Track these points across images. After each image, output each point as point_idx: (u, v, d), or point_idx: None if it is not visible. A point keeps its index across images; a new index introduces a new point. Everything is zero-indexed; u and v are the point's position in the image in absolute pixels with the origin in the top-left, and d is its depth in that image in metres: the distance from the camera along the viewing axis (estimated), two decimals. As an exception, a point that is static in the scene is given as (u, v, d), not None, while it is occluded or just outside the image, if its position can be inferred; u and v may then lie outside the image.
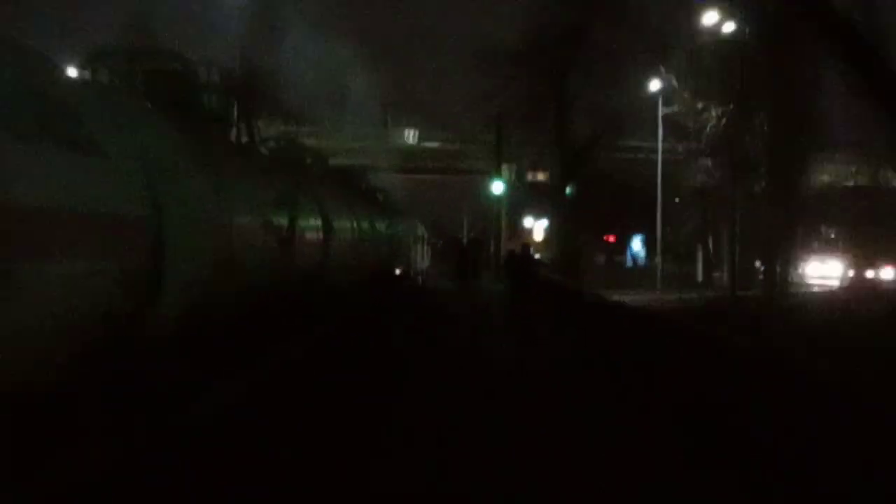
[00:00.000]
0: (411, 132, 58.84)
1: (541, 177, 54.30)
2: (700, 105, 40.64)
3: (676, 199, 50.99)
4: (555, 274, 39.51)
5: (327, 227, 14.87)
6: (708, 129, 40.45)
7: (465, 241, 66.19)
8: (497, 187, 45.02)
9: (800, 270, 50.62)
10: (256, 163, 12.40)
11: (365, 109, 52.68)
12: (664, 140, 43.40)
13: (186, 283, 7.47)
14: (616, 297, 31.37)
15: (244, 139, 12.84)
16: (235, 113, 12.14)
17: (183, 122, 8.85)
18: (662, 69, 41.86)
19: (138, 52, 10.18)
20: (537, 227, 63.55)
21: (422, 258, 42.02)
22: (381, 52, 54.73)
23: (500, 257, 42.23)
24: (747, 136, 36.65)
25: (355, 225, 19.36)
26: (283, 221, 11.28)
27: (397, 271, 30.70)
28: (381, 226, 25.51)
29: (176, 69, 9.99)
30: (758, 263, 42.28)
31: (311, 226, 13.59)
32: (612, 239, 65.83)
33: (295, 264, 11.83)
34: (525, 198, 56.59)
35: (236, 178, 9.70)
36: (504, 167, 47.94)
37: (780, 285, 37.05)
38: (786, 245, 38.24)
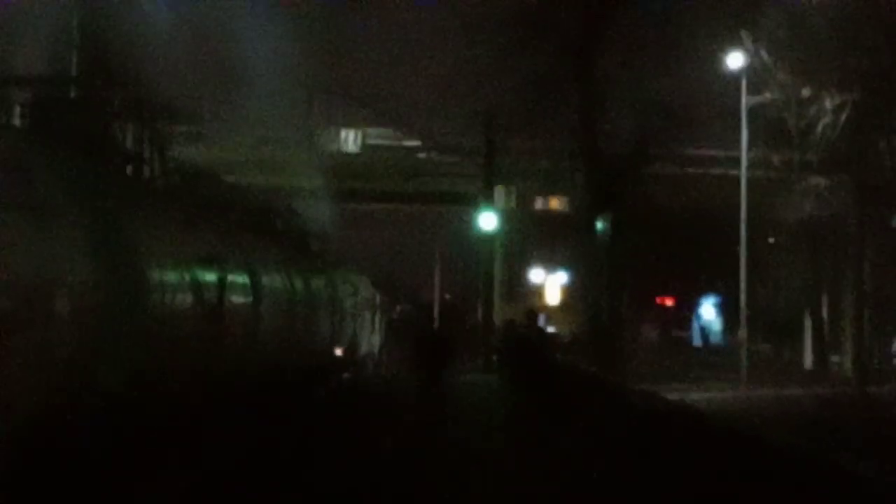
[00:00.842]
0: (352, 135, 59.01)
1: (555, 205, 54.38)
2: (807, 91, 40.93)
3: (771, 240, 51.21)
4: (579, 357, 39.41)
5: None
6: (820, 128, 40.67)
7: (434, 307, 66.24)
8: (487, 221, 45.09)
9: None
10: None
11: (276, 99, 52.74)
12: (751, 147, 43.63)
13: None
14: (676, 395, 31.41)
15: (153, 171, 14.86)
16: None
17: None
18: (746, 36, 42.24)
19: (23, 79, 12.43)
20: (551, 283, 63.69)
21: (370, 335, 41.76)
22: (307, 10, 54.62)
23: (494, 331, 42.13)
24: (883, 141, 36.88)
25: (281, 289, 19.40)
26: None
27: (338, 352, 31.14)
28: (316, 287, 25.87)
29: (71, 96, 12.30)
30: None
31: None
32: (669, 303, 66.05)
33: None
34: (531, 238, 56.74)
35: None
36: (499, 190, 48.04)
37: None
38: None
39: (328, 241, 37.06)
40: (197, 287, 14.78)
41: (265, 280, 19.48)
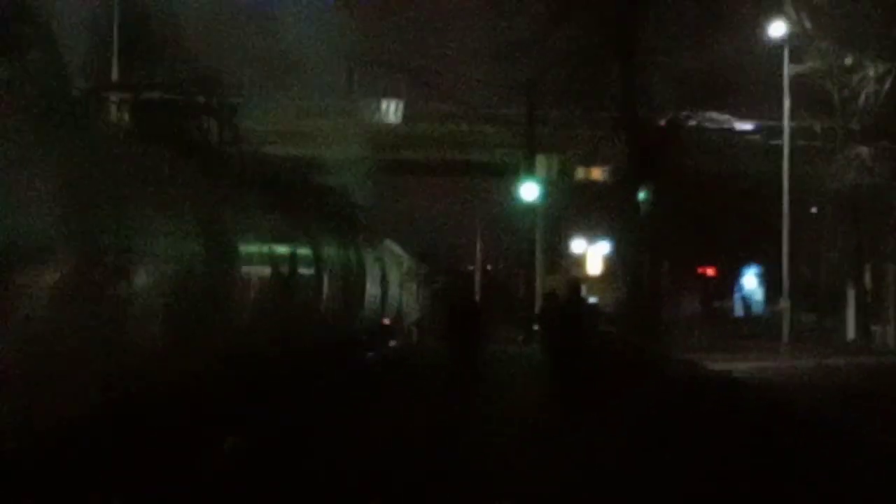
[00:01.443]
0: (392, 105, 59.00)
1: (597, 175, 54.29)
2: (849, 59, 40.78)
3: (813, 210, 51.06)
4: (621, 328, 39.47)
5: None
6: (862, 97, 40.54)
7: (474, 277, 66.28)
8: (529, 191, 45.16)
9: None
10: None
11: (317, 69, 52.90)
12: (793, 117, 43.48)
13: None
14: (718, 366, 31.44)
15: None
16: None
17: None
18: (788, 3, 42.07)
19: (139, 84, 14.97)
20: (593, 253, 63.62)
21: (415, 305, 42.33)
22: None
23: (535, 302, 42.25)
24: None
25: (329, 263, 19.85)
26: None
27: (386, 321, 32.91)
28: (368, 261, 27.41)
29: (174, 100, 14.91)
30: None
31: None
32: (710, 273, 65.84)
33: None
34: (573, 208, 56.70)
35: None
36: (541, 160, 48.06)
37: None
38: None
39: (374, 215, 37.65)
40: (280, 263, 17.42)
41: (327, 256, 21.94)
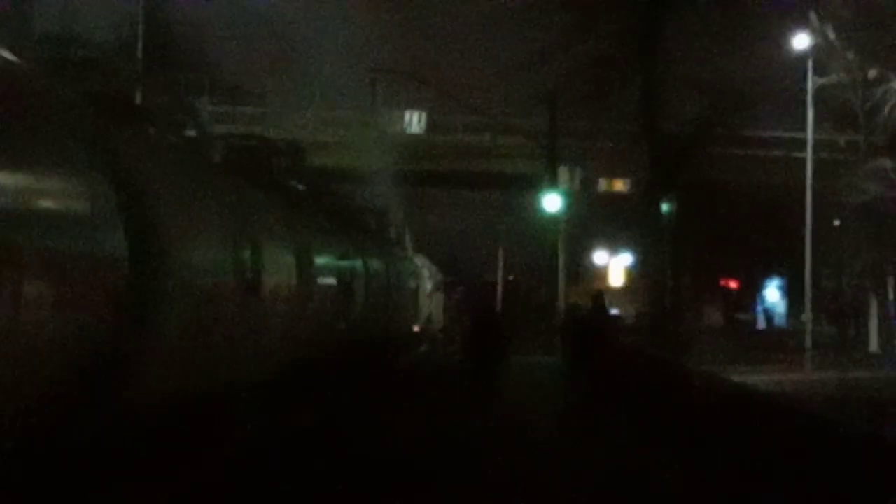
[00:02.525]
0: (416, 116, 59.03)
1: (620, 186, 54.34)
2: (873, 72, 40.73)
3: (836, 222, 50.93)
4: (643, 339, 39.42)
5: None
6: (886, 111, 40.47)
7: (497, 287, 66.34)
8: (552, 202, 45.15)
9: None
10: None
11: (340, 80, 53.08)
12: (817, 129, 43.43)
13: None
14: (740, 378, 31.41)
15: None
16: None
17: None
18: (813, 15, 42.02)
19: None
20: (615, 265, 63.66)
21: (441, 314, 43.14)
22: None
23: (557, 313, 42.23)
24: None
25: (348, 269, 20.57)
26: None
27: (416, 328, 36.34)
28: (403, 272, 30.30)
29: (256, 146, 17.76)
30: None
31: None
32: (733, 285, 65.83)
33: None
34: (595, 219, 56.69)
35: None
36: (563, 171, 48.05)
37: None
38: None
39: (405, 228, 39.02)
40: (343, 278, 20.26)
41: (373, 271, 24.95)
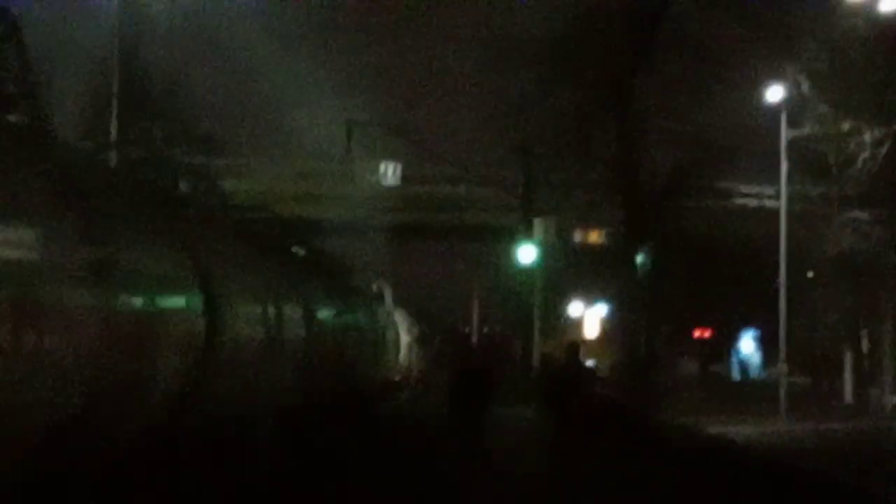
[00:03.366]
0: (391, 167, 59.02)
1: (595, 237, 54.29)
2: (847, 125, 40.82)
3: (809, 274, 51.04)
4: (617, 391, 39.36)
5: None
6: (859, 163, 40.52)
7: (472, 339, 66.22)
8: (527, 254, 45.11)
9: None
10: None
11: (315, 131, 53.08)
12: (790, 181, 43.58)
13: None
14: (716, 430, 31.38)
15: None
16: None
17: None
18: (788, 68, 42.20)
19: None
20: (590, 316, 63.58)
21: (418, 364, 43.74)
22: (344, 42, 55.22)
23: (532, 364, 42.15)
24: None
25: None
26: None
27: (396, 377, 37.83)
28: (383, 323, 33.02)
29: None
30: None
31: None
32: (707, 335, 65.87)
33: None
34: (570, 271, 56.64)
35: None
36: (538, 223, 48.02)
37: None
38: None
39: (385, 285, 39.86)
40: (333, 327, 21.70)
41: (360, 323, 27.13)
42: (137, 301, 9.94)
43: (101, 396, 8.60)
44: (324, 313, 20.72)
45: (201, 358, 11.69)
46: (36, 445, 7.76)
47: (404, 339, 39.53)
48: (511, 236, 48.25)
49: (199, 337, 11.76)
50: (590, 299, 62.52)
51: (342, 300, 24.12)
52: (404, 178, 59.42)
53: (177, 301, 11.42)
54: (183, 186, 15.06)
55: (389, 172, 58.95)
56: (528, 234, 45.63)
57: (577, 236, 55.34)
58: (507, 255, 49.37)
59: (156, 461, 11.09)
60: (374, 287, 36.93)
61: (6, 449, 7.27)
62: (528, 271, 46.77)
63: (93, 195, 9.47)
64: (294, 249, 22.44)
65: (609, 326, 58.57)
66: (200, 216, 14.65)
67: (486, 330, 69.42)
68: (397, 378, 38.38)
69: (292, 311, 17.35)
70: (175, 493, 11.84)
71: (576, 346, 22.65)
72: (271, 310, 15.67)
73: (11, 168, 7.85)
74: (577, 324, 63.17)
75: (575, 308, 64.34)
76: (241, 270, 14.59)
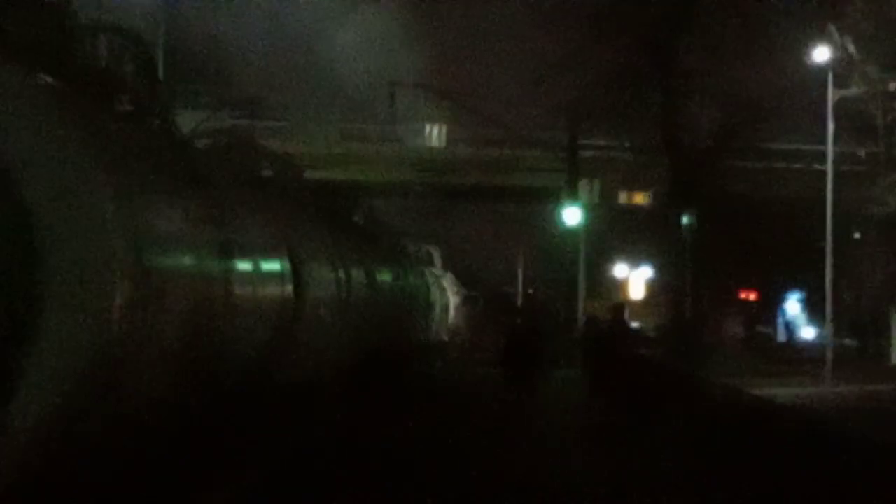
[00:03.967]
0: (435, 129, 59.02)
1: (639, 199, 54.23)
2: (894, 85, 40.64)
3: (856, 235, 50.78)
4: (663, 352, 39.31)
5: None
6: (907, 122, 40.42)
7: (516, 300, 66.26)
8: (572, 215, 45.09)
9: None
10: None
11: (360, 93, 53.17)
12: (836, 142, 43.26)
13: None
14: (761, 391, 31.31)
15: None
16: None
17: None
18: (832, 28, 41.95)
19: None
20: (635, 278, 63.50)
21: (457, 325, 44.40)
22: (389, 4, 54.93)
23: (576, 326, 42.13)
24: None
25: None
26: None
27: (445, 337, 39.50)
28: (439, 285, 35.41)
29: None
30: None
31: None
32: (752, 297, 65.71)
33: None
34: (615, 232, 56.62)
35: None
36: (583, 185, 48.00)
37: None
38: None
39: (437, 250, 41.16)
40: (390, 290, 23.16)
41: (416, 287, 29.59)
42: (247, 269, 11.51)
43: (226, 342, 10.53)
44: (381, 277, 21.56)
45: (290, 315, 13.08)
46: (192, 375, 9.66)
47: (452, 300, 40.21)
48: (556, 198, 48.28)
49: (289, 298, 13.13)
50: (634, 261, 62.45)
51: (396, 264, 25.17)
52: (449, 140, 59.47)
53: (273, 268, 12.69)
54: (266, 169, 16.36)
55: (434, 134, 59.00)
56: (572, 195, 45.60)
57: (622, 198, 55.34)
58: (552, 217, 49.40)
59: (259, 394, 12.40)
60: (424, 250, 37.38)
61: (181, 376, 9.29)
62: (572, 233, 46.79)
63: (215, 184, 11.30)
64: (355, 217, 23.08)
65: (654, 288, 58.52)
66: (281, 192, 16.17)
67: (529, 291, 69.48)
68: (446, 338, 39.64)
69: (356, 276, 18.29)
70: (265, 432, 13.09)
71: (621, 307, 22.66)
72: (339, 274, 16.71)
73: (160, 167, 9.63)
74: (622, 285, 63.12)
75: (620, 270, 64.28)
76: (313, 239, 15.82)
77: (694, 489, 15.38)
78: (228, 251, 10.62)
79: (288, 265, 13.23)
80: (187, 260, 9.49)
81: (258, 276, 11.95)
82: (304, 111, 54.29)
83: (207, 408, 10.59)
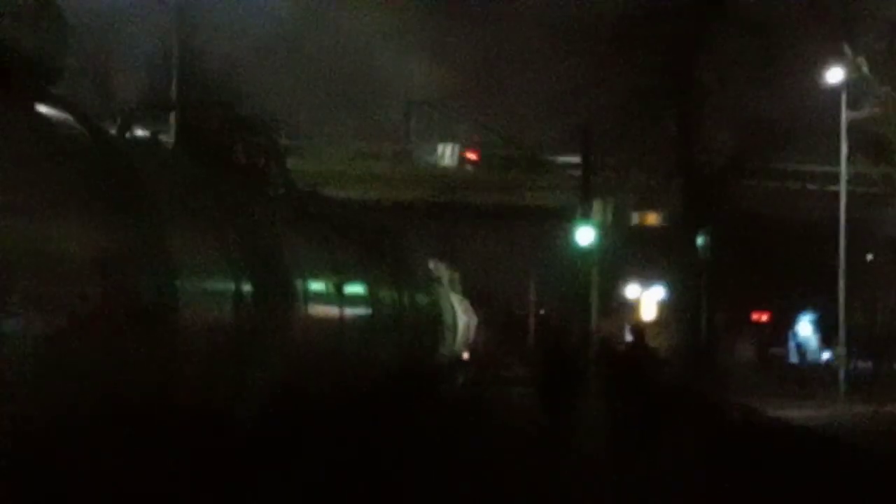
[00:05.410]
0: (448, 149, 59.15)
1: (652, 220, 54.14)
2: (908, 106, 40.71)
3: (869, 257, 50.67)
4: (675, 373, 38.96)
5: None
6: (922, 144, 40.45)
7: (529, 319, 66.18)
8: (585, 235, 44.73)
9: None
10: None
11: (374, 112, 53.14)
12: (850, 162, 43.18)
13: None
14: (775, 413, 31.14)
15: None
16: None
17: None
18: (846, 49, 41.92)
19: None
20: (647, 298, 63.23)
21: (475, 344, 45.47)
22: (403, 24, 55.02)
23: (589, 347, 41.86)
24: None
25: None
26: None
27: (465, 355, 41.06)
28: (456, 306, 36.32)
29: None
30: None
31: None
32: (764, 318, 65.73)
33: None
34: (627, 252, 56.47)
35: None
36: (596, 205, 47.74)
37: None
38: None
39: (455, 275, 41.74)
40: (421, 313, 24.85)
41: (441, 307, 31.25)
42: (303, 288, 12.56)
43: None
44: (410, 298, 22.33)
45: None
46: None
47: (462, 320, 39.67)
48: (569, 218, 48.10)
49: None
50: (646, 281, 62.26)
51: (406, 284, 24.69)
52: (461, 159, 59.77)
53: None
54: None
55: (447, 153, 59.19)
56: (586, 216, 45.33)
57: (635, 218, 55.24)
58: (564, 237, 49.22)
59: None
60: (433, 268, 37.07)
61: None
62: (585, 253, 46.55)
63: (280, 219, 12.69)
64: (365, 234, 22.58)
65: (665, 308, 58.26)
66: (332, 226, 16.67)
67: (541, 311, 69.29)
68: (466, 356, 40.90)
69: (366, 293, 18.16)
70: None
71: (641, 329, 22.19)
72: (352, 291, 16.57)
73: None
74: (635, 305, 62.88)
75: (632, 290, 64.06)
76: (332, 260, 15.66)
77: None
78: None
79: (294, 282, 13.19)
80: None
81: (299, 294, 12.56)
82: (318, 130, 54.39)
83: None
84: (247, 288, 10.69)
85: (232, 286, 10.27)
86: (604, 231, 48.92)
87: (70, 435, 6.91)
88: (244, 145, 14.23)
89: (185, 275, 8.63)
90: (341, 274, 16.06)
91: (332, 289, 15.50)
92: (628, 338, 24.73)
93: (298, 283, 12.84)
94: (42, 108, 7.49)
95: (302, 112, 51.19)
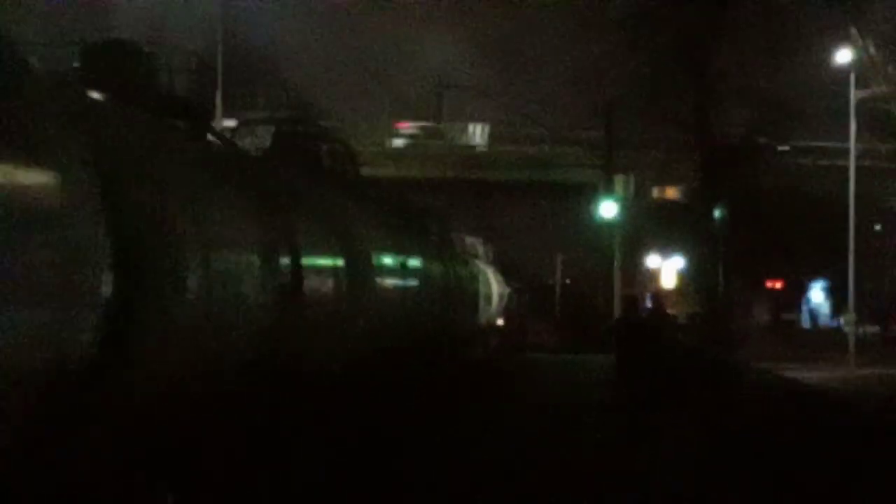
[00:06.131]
0: (479, 128, 59.43)
1: (671, 194, 54.70)
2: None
3: (877, 227, 51.09)
4: (693, 338, 39.94)
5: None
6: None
7: (556, 289, 66.66)
8: (608, 209, 45.62)
9: None
10: None
11: (409, 93, 53.82)
12: (859, 138, 43.81)
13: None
14: (791, 375, 32.10)
15: None
16: None
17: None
18: (854, 31, 42.54)
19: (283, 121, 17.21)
20: (667, 268, 63.78)
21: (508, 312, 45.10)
22: (437, 8, 55.68)
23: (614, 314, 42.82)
24: None
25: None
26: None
27: (500, 321, 41.75)
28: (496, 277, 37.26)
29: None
30: None
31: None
32: (778, 286, 65.94)
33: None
34: (648, 225, 57.00)
35: None
36: (618, 180, 48.46)
37: None
38: None
39: (489, 249, 42.07)
40: (465, 284, 26.84)
41: (481, 278, 33.30)
42: (378, 264, 14.05)
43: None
44: (433, 269, 21.80)
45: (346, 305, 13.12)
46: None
47: (496, 290, 40.55)
48: (593, 193, 48.89)
49: (345, 289, 13.13)
50: (666, 252, 62.66)
51: (451, 259, 25.98)
52: (491, 138, 59.93)
53: (337, 262, 12.85)
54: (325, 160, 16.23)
55: (477, 133, 59.42)
56: (608, 190, 46.16)
57: (655, 192, 55.78)
58: (589, 211, 50.00)
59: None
60: (469, 243, 37.92)
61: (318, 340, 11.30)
62: (608, 226, 47.35)
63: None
64: (416, 215, 23.32)
65: (684, 277, 58.87)
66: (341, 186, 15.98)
67: (567, 282, 69.80)
68: (501, 322, 41.86)
69: (410, 267, 18.24)
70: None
71: (661, 296, 23.00)
72: (395, 266, 16.96)
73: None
74: (655, 275, 63.34)
75: (652, 260, 64.58)
76: (374, 236, 15.60)
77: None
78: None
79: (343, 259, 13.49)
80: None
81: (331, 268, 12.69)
82: (351, 108, 54.96)
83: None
84: (346, 267, 12.39)
85: (336, 265, 12.04)
86: (626, 205, 49.54)
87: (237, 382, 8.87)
88: (329, 150, 15.98)
89: (307, 258, 10.51)
90: (403, 252, 17.42)
91: (397, 265, 16.85)
92: (649, 304, 25.30)
93: (376, 260, 14.40)
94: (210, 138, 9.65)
95: (337, 92, 52.06)
